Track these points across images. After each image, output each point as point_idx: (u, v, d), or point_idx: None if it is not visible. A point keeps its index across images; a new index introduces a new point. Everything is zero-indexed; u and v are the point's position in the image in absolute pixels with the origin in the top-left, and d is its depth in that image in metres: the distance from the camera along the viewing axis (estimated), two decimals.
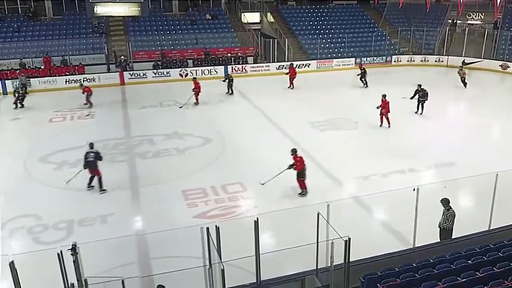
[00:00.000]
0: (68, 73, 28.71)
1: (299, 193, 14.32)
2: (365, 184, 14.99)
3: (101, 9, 23.13)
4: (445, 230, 10.65)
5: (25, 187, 15.42)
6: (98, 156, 14.82)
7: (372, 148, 17.92)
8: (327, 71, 32.21)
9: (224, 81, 26.52)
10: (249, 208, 13.57)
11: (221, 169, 16.41)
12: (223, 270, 7.39)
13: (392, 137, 19.29)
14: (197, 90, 23.98)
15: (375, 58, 34.10)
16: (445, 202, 10.57)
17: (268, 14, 36.91)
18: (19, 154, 17.96)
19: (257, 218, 8.45)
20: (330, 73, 31.87)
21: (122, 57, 30.07)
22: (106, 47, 31.11)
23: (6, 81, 27.00)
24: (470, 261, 8.61)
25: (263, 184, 14.74)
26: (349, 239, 7.83)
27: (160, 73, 29.68)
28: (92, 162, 14.62)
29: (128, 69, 29.67)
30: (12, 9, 33.74)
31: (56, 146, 18.78)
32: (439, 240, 10.76)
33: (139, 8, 23.28)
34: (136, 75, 29.20)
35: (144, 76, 29.22)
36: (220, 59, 31.71)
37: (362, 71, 27.61)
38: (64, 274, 7.67)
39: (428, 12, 36.16)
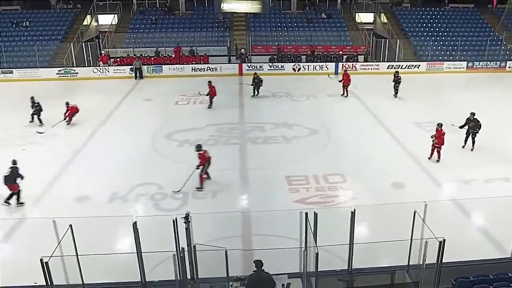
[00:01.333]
0: (194, 62, 30.16)
1: (197, 188, 13.99)
2: (466, 188, 14.05)
3: (227, 6, 23.85)
4: None
5: (151, 159, 16.53)
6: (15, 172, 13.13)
7: (476, 152, 16.69)
8: (437, 73, 30.43)
9: (255, 82, 24.53)
10: (347, 199, 13.36)
11: (324, 159, 16.31)
12: (317, 254, 7.41)
13: (498, 143, 17.70)
14: (212, 94, 22.42)
15: (488, 63, 31.53)
16: None
17: (382, 15, 35.66)
18: (148, 130, 19.25)
19: (354, 210, 8.34)
20: (439, 75, 30.09)
21: (242, 50, 30.88)
22: (228, 40, 32.11)
23: (143, 67, 29.19)
24: None
25: (177, 192, 13.77)
26: (444, 240, 7.45)
27: (275, 66, 30.04)
28: (9, 176, 13.03)
29: (246, 61, 30.41)
30: (151, 3, 36.07)
31: (179, 126, 19.88)
32: None
33: (261, 6, 23.63)
34: (253, 67, 29.83)
35: (261, 68, 29.75)
36: (332, 56, 31.35)
37: (398, 78, 24.06)
38: (177, 239, 8.14)
39: None
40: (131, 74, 28.96)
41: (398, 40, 31.92)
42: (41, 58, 30.21)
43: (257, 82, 24.43)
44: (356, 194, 13.62)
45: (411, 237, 8.55)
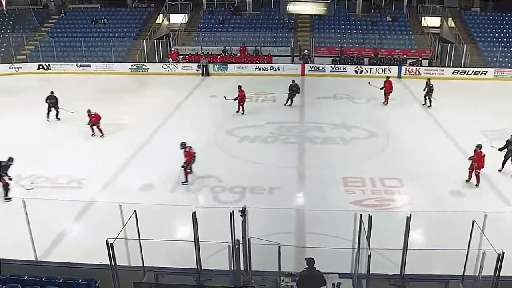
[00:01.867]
0: (258, 62, 30.36)
1: (182, 182, 14.11)
2: None
3: (292, 7, 23.79)
4: None
5: (213, 154, 16.83)
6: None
7: None
8: (505, 80, 28.77)
9: (293, 90, 22.50)
10: (403, 204, 12.96)
11: (382, 163, 15.91)
12: (369, 256, 7.25)
13: None
14: (241, 98, 21.03)
15: None
16: None
17: (450, 19, 34.13)
18: (211, 125, 19.61)
19: (410, 215, 8.08)
20: (508, 82, 28.44)
21: (306, 51, 30.70)
22: (292, 41, 32.02)
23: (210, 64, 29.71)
24: None
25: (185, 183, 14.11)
26: (503, 253, 7.05)
27: (337, 68, 29.62)
28: None
29: (309, 62, 30.22)
30: (220, 4, 36.65)
31: (241, 122, 20.10)
32: None
33: (326, 8, 23.38)
34: (315, 68, 29.59)
35: (323, 69, 29.46)
36: (395, 59, 30.45)
37: (430, 86, 22.36)
38: (233, 231, 8.24)
39: None
40: (197, 71, 29.62)
41: (465, 45, 30.49)
42: (116, 54, 31.53)
43: (294, 90, 22.53)
44: (413, 199, 13.18)
45: (468, 247, 8.15)
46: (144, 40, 31.72)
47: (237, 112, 21.21)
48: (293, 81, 22.96)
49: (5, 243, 10.68)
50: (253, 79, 28.17)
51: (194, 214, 8.41)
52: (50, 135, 18.74)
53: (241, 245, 8.23)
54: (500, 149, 15.03)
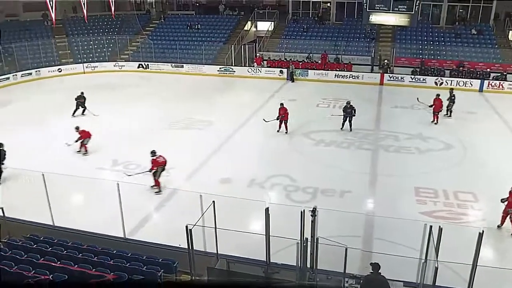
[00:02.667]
0: (338, 69, 29.88)
1: (151, 186, 13.60)
2: None
3: (375, 18, 23.14)
4: None
5: (288, 154, 16.89)
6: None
7: None
8: None
9: (347, 112, 19.07)
10: (476, 220, 12.14)
11: (456, 175, 14.99)
12: (436, 268, 6.91)
13: None
14: (284, 117, 18.72)
15: None
16: None
17: None
18: (289, 127, 19.56)
19: (483, 231, 7.56)
20: None
21: (386, 60, 29.73)
22: (373, 51, 31.16)
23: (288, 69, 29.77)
24: None
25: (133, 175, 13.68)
26: None
27: (416, 79, 28.35)
28: None
29: (388, 71, 29.23)
30: (305, 13, 36.54)
31: (317, 126, 19.93)
32: None
33: (409, 19, 22.46)
34: (394, 78, 28.57)
35: (402, 79, 28.36)
36: (478, 73, 28.55)
37: (452, 96, 21.14)
38: (302, 229, 8.22)
39: None
40: (280, 75, 29.78)
41: None
42: (206, 56, 32.60)
43: (348, 112, 19.10)
44: (487, 216, 12.30)
45: None
46: (233, 45, 32.47)
47: (278, 131, 18.88)
48: (348, 103, 19.32)
49: (99, 220, 11.51)
50: (332, 86, 27.81)
51: (267, 209, 8.50)
52: (146, 127, 19.81)
53: (309, 244, 8.19)
54: None
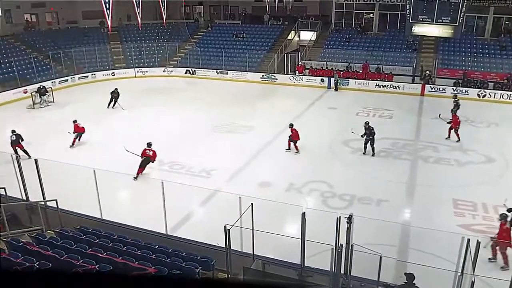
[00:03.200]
0: (379, 79, 29.30)
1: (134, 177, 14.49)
2: None
3: (418, 29, 22.65)
4: None
5: (327, 161, 16.70)
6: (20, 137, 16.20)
7: None
8: None
9: (367, 134, 16.98)
10: None
11: (497, 190, 14.22)
12: (473, 282, 6.61)
13: None
14: (293, 137, 17.34)
15: None
16: None
17: None
18: (328, 135, 19.46)
19: None
20: None
21: (427, 71, 28.86)
22: (415, 62, 30.35)
23: (332, 78, 29.45)
24: None
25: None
26: None
27: (458, 91, 27.26)
28: (15, 140, 16.11)
29: (430, 83, 28.38)
30: (347, 23, 36.11)
31: (356, 135, 19.59)
32: None
33: (453, 31, 21.83)
34: (436, 89, 27.69)
35: (443, 91, 27.44)
36: None
37: (457, 102, 21.09)
38: (337, 235, 8.09)
39: None
40: (321, 84, 29.54)
41: None
42: (250, 64, 32.83)
43: (369, 134, 16.99)
44: None
45: None
46: (276, 53, 32.54)
47: (287, 149, 17.49)
48: (366, 123, 17.25)
49: (143, 215, 11.78)
50: (372, 95, 27.31)
51: (303, 214, 8.44)
52: (192, 129, 20.20)
53: (343, 250, 8.05)
54: None
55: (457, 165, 16.45)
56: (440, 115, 20.98)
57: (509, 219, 9.96)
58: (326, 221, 9.21)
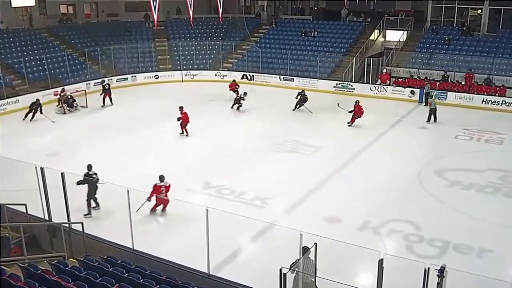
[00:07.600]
0: (487, 93, 28.15)
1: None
2: None
3: None
4: None
5: (413, 194, 16.20)
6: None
7: None
8: None
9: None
10: None
11: None
12: None
13: None
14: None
15: None
16: None
17: None
18: (417, 160, 18.89)
19: None
20: None
21: None
22: None
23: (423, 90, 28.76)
24: None
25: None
26: None
27: None
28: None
29: None
30: (447, 22, 35.23)
31: (455, 163, 18.92)
32: None
33: None
34: None
35: None
36: None
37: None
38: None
39: None
40: (411, 97, 28.94)
41: None
42: (322, 70, 32.90)
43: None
44: None
45: None
46: (354, 57, 32.42)
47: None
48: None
49: (182, 248, 11.98)
50: (478, 113, 26.37)
51: (381, 261, 8.20)
52: (245, 146, 20.56)
53: None
54: None
55: None
56: (338, 104, 23.67)
57: None
58: (410, 273, 8.91)
